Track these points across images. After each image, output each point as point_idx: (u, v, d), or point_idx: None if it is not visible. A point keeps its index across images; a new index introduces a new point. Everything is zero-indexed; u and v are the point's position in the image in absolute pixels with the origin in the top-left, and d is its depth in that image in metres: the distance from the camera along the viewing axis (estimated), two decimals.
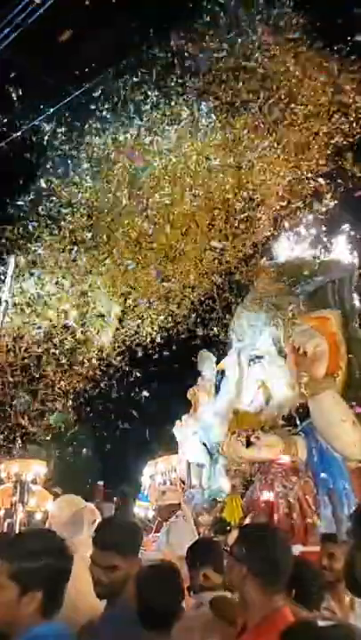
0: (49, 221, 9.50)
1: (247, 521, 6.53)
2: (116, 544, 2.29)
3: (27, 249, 9.45)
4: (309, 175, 9.11)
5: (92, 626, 2.31)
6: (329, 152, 9.09)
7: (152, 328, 9.84)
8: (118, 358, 10.15)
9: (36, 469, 14.65)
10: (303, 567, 2.84)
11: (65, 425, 14.33)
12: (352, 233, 9.07)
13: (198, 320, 9.61)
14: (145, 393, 11.51)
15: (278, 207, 9.18)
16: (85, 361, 9.94)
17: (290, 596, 2.50)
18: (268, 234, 9.25)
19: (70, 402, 10.42)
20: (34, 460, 14.96)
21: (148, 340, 9.94)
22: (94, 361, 9.99)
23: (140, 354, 10.23)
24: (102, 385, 10.46)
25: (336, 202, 9.22)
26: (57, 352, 9.87)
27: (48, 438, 13.69)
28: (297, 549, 4.65)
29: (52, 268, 9.49)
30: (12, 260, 8.08)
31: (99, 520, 2.77)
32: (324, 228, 9.16)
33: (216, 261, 9.16)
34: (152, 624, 2.14)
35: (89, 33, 9.69)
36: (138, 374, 10.53)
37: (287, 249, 9.05)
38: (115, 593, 2.25)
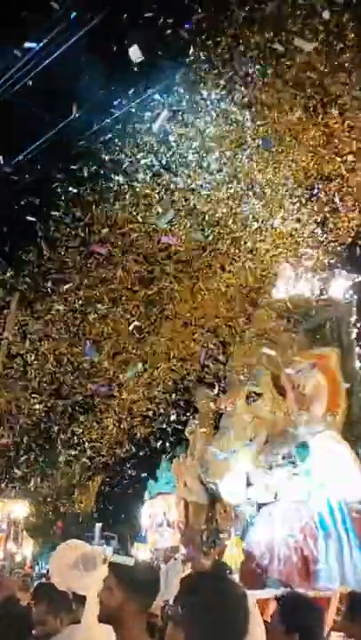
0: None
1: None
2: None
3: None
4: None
5: None
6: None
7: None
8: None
9: (19, 510, 14.30)
10: (307, 611, 2.69)
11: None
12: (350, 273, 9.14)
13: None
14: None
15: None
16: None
17: None
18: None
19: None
20: (20, 501, 14.55)
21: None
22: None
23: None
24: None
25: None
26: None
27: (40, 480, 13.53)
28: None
29: None
30: (14, 299, 8.14)
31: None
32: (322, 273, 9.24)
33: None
34: None
35: None
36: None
37: (286, 288, 9.09)
38: None
